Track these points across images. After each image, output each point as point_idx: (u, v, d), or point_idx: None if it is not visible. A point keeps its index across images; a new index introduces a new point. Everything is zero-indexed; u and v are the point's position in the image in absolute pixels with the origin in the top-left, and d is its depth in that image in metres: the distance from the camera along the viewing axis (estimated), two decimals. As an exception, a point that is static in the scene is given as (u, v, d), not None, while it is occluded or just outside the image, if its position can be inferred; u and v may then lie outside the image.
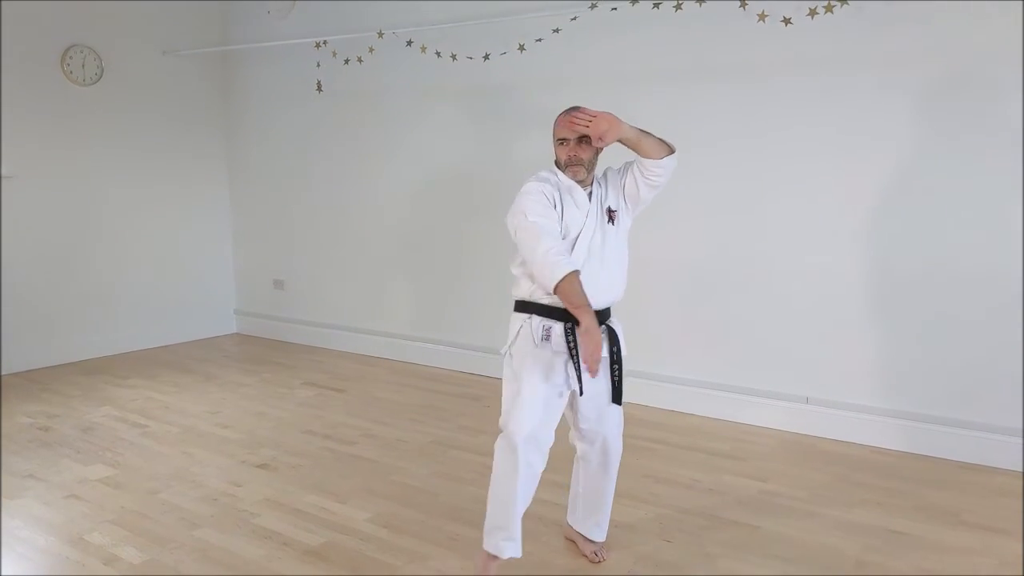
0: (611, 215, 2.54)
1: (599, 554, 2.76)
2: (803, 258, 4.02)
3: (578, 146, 2.47)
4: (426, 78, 5.22)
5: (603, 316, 2.53)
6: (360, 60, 5.07)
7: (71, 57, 5.47)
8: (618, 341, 2.55)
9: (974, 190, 3.56)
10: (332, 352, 5.91)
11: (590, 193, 2.53)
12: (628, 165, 2.57)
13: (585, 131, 2.39)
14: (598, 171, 2.61)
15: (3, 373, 5.23)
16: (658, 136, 2.46)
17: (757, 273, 4.16)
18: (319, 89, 5.38)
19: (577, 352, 2.39)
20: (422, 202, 5.41)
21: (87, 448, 3.89)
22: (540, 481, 3.42)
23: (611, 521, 3.06)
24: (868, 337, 3.87)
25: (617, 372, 2.53)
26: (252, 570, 2.70)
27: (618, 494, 3.30)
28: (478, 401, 4.66)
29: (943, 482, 3.45)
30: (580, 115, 2.40)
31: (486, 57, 4.62)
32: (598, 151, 2.52)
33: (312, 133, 5.94)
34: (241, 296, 6.67)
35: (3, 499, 3.30)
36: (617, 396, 2.55)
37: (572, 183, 2.50)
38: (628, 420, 4.18)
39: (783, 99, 3.97)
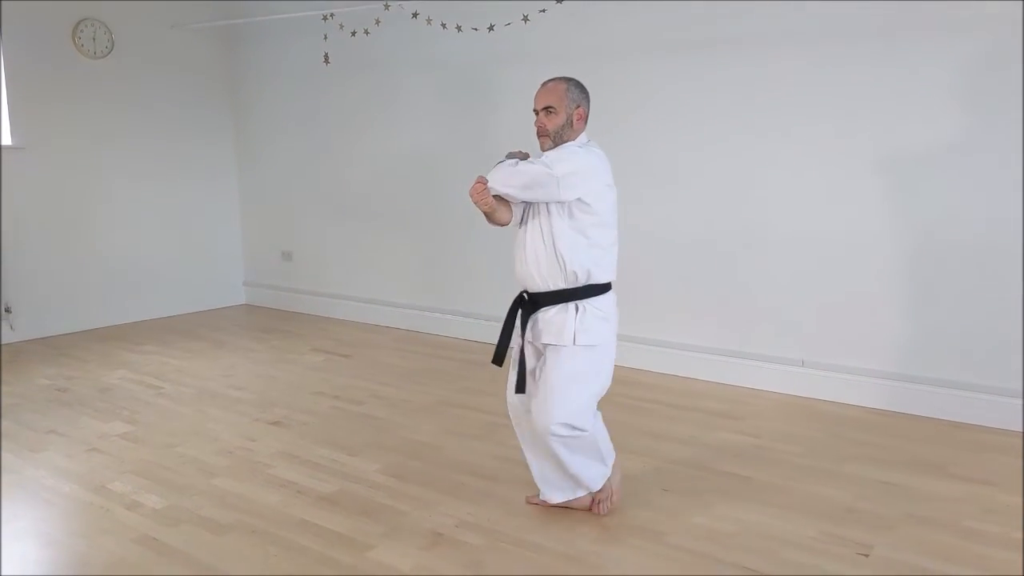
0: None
1: (600, 505, 2.84)
2: (798, 225, 4.11)
3: (545, 117, 2.59)
4: (431, 50, 5.31)
5: (527, 300, 2.68)
6: (367, 32, 5.14)
7: (82, 30, 5.56)
8: (534, 328, 2.67)
9: (968, 155, 3.64)
10: (339, 321, 6.04)
11: None
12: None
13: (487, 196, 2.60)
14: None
15: (21, 339, 5.38)
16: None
17: (753, 241, 4.26)
18: (326, 62, 5.46)
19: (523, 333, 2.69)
20: (428, 173, 5.51)
21: (105, 407, 4.02)
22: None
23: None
24: (862, 301, 3.98)
25: (521, 362, 2.69)
26: (269, 515, 2.83)
27: (618, 448, 3.41)
28: (482, 366, 4.77)
29: (933, 439, 3.56)
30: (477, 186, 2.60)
31: (490, 28, 4.69)
32: (569, 123, 2.59)
33: (319, 105, 6.03)
34: (249, 267, 6.78)
35: (26, 452, 3.44)
36: (519, 385, 2.70)
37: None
38: (629, 383, 4.35)
39: (781, 69, 4.05)
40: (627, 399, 4.06)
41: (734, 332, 4.37)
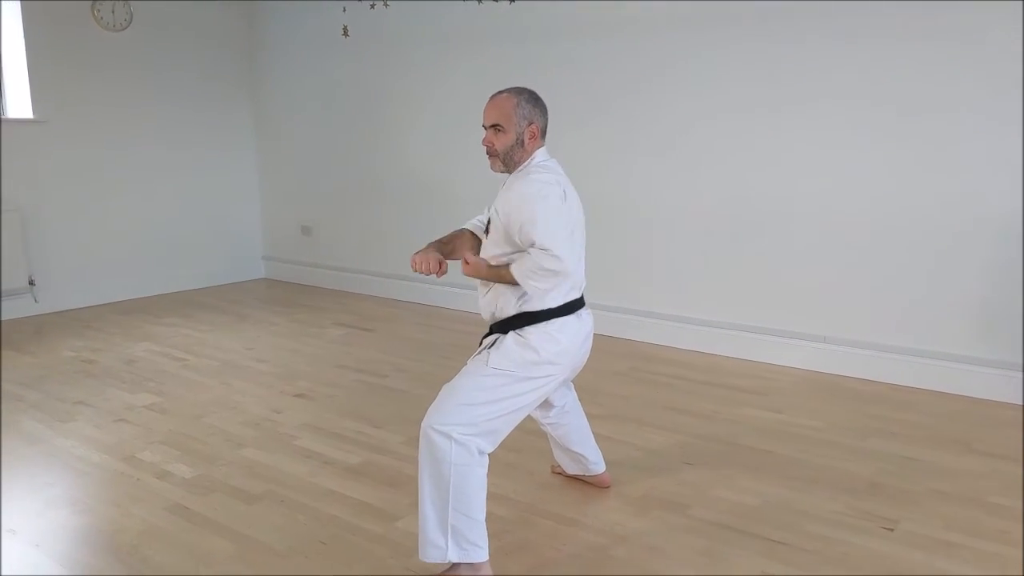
0: (487, 225, 2.41)
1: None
2: (820, 201, 4.08)
3: (493, 135, 2.33)
4: (451, 22, 5.28)
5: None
6: (386, 4, 5.11)
7: (101, 3, 5.55)
8: (494, 346, 2.32)
9: (986, 131, 3.59)
10: (360, 296, 6.07)
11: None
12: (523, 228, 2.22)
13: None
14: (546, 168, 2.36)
15: (45, 311, 5.45)
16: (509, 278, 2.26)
17: (776, 217, 4.23)
18: (345, 34, 5.43)
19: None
20: (447, 148, 5.50)
21: (131, 379, 4.08)
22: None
23: (635, 445, 3.23)
24: (884, 277, 3.96)
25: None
26: (298, 485, 2.87)
27: (642, 423, 3.45)
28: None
29: (955, 415, 3.56)
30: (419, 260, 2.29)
31: (511, 0, 4.65)
32: (520, 142, 2.31)
33: (338, 78, 6.02)
34: (269, 242, 6.82)
35: (56, 422, 3.49)
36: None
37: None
38: (653, 359, 4.38)
39: (805, 42, 4.00)
40: (651, 375, 4.07)
41: (757, 308, 4.36)
